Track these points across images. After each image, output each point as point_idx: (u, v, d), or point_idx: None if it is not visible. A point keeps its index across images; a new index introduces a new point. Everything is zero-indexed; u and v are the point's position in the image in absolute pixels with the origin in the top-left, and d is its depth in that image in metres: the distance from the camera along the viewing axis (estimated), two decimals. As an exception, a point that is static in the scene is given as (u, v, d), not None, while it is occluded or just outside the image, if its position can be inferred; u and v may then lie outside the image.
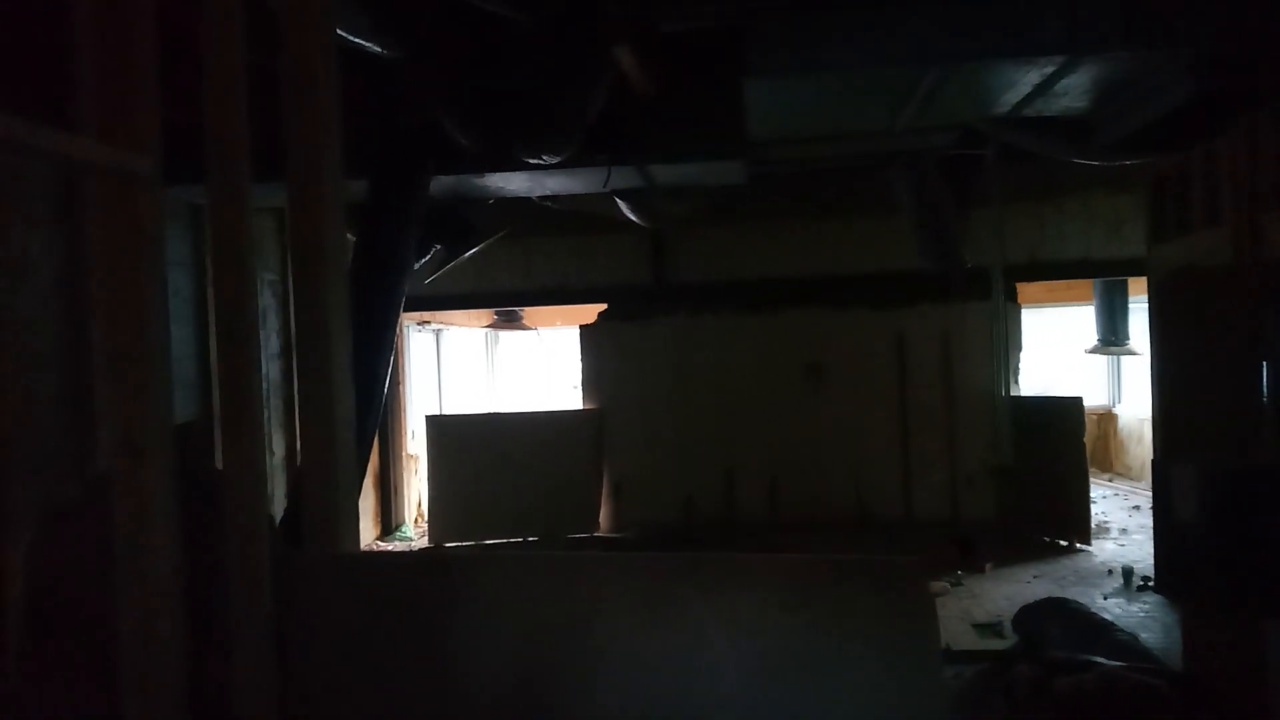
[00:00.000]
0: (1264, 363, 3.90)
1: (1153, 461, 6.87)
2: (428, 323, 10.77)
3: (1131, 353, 10.99)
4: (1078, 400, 8.19)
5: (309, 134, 2.71)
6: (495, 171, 5.76)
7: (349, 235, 4.07)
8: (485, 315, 12.36)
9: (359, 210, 5.16)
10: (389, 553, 8.35)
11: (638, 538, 8.84)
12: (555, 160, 5.13)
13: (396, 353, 9.28)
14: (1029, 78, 5.35)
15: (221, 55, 2.52)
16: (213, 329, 6.33)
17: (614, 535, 9.01)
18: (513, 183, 6.26)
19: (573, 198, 7.28)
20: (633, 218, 7.52)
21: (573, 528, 8.84)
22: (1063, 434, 8.07)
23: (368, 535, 8.97)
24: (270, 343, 7.19)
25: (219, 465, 2.63)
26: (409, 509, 9.81)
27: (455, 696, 2.54)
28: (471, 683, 2.54)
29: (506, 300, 10.21)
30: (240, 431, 2.51)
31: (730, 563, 2.87)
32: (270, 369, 7.13)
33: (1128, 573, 6.85)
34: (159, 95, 2.36)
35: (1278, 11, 4.43)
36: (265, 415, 6.72)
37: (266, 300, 7.07)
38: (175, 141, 2.53)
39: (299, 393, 2.96)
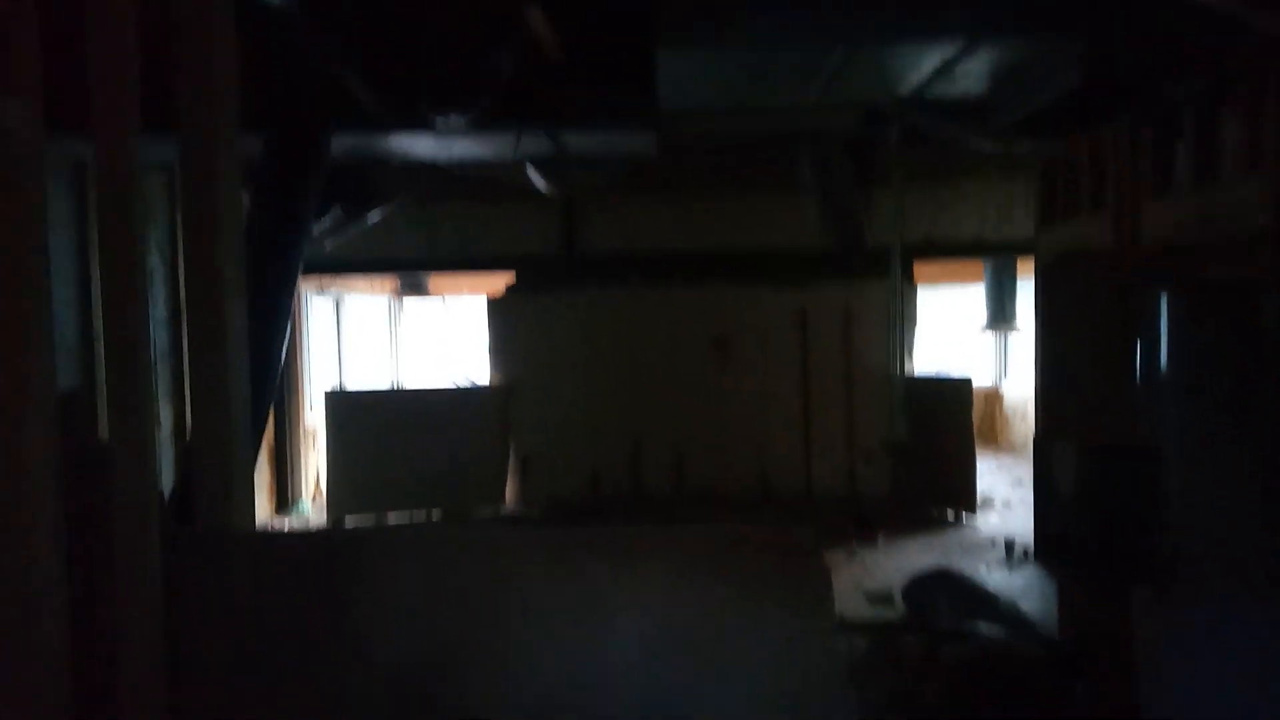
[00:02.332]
0: (1138, 344, 4.14)
1: (1034, 439, 7.24)
2: (328, 288, 10.41)
3: (1016, 329, 11.49)
4: (967, 381, 8.54)
5: (204, 84, 2.57)
6: (401, 131, 5.57)
7: (244, 194, 3.88)
8: (389, 282, 12.03)
9: (255, 168, 4.93)
10: (289, 531, 8.10)
11: (544, 512, 8.81)
12: (463, 120, 5.00)
13: (294, 320, 8.94)
14: (930, 60, 5.53)
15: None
16: (96, 291, 5.98)
17: (520, 510, 8.97)
18: (419, 146, 6.08)
19: (481, 164, 7.13)
20: (542, 186, 7.42)
21: (478, 503, 8.75)
22: (953, 413, 8.40)
23: (263, 511, 8.66)
24: (158, 308, 6.82)
25: (104, 438, 2.49)
26: (307, 484, 9.51)
27: (361, 674, 2.49)
28: (379, 660, 2.50)
29: (410, 266, 9.95)
30: (128, 402, 2.38)
31: (635, 536, 2.89)
32: (158, 336, 6.77)
33: (1009, 544, 7.21)
34: (39, 36, 2.19)
35: (1159, 9, 4.67)
36: (153, 385, 6.40)
37: (154, 262, 6.70)
38: (57, 90, 2.35)
39: (190, 362, 2.82)
